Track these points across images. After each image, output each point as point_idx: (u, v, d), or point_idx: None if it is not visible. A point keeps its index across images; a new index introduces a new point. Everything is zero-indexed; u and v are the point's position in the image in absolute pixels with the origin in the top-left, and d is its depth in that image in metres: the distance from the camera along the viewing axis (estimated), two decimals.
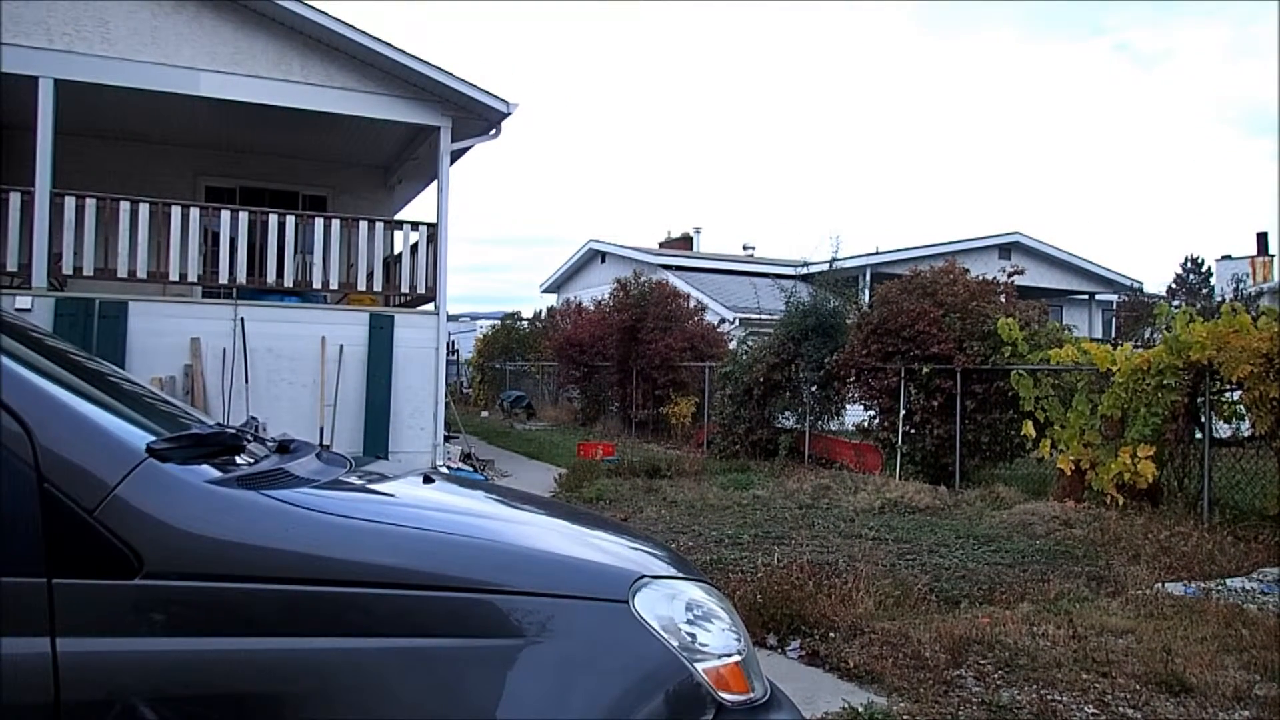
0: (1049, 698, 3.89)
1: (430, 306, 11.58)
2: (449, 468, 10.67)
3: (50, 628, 1.40)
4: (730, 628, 1.82)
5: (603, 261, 26.69)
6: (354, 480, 2.04)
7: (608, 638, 1.64)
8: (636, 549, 2.01)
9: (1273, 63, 78.50)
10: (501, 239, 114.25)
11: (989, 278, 11.92)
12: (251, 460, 1.85)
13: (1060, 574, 6.25)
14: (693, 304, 18.56)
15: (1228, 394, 8.48)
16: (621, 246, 25.83)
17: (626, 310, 17.70)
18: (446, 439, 11.81)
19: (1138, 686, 4.04)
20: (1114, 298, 26.01)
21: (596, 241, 27.39)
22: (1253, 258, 25.71)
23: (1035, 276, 20.31)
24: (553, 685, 1.55)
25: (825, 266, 15.15)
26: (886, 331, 11.22)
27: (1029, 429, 9.78)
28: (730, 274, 23.82)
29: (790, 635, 4.74)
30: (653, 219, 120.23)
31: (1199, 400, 8.32)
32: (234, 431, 1.75)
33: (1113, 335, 23.64)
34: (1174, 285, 43.68)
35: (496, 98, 10.99)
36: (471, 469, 11.52)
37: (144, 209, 10.03)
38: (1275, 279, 23.44)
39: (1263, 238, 26.04)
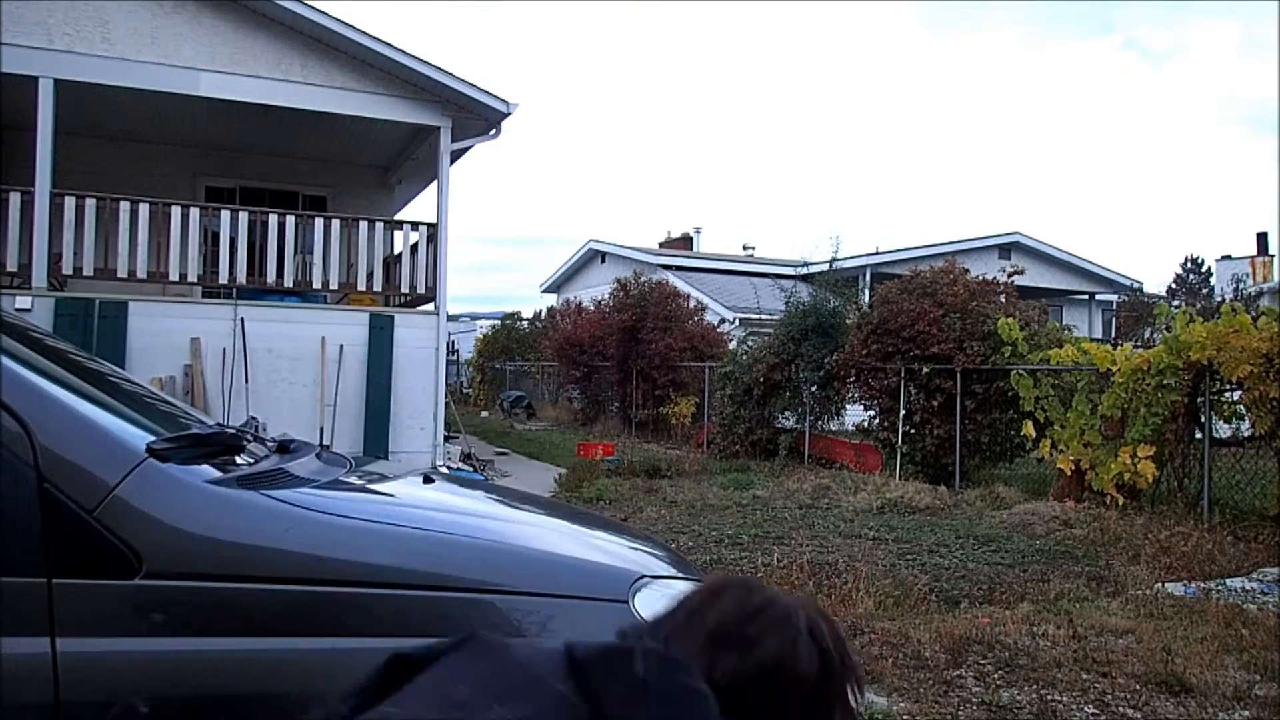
0: (1049, 698, 3.89)
1: (430, 306, 11.58)
2: (449, 468, 10.67)
3: (50, 628, 1.40)
4: None
5: (603, 261, 26.68)
6: (354, 480, 2.04)
7: (608, 638, 1.64)
8: (636, 549, 2.01)
9: (1273, 61, 78.48)
10: (501, 239, 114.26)
11: (989, 278, 11.92)
12: (251, 460, 1.85)
13: (1060, 574, 6.25)
14: (693, 304, 18.55)
15: (1228, 394, 8.48)
16: (621, 246, 25.82)
17: (626, 310, 17.70)
18: (446, 439, 11.80)
19: (1138, 686, 4.04)
20: (1114, 298, 26.00)
21: (596, 241, 27.38)
22: (1253, 258, 25.70)
23: (1035, 276, 20.29)
24: None
25: (825, 266, 15.14)
26: (886, 331, 11.22)
27: (1029, 429, 9.78)
28: (730, 274, 23.80)
29: None
30: (653, 219, 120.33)
31: (1199, 400, 8.32)
32: (234, 431, 1.75)
33: (1113, 335, 23.63)
34: (1174, 285, 43.65)
35: (496, 98, 10.98)
36: (471, 469, 11.52)
37: (144, 209, 10.02)
38: (1275, 279, 23.43)
39: (1263, 238, 26.04)
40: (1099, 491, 8.66)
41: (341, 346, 10.65)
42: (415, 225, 11.68)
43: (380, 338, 10.80)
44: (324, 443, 9.78)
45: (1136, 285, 25.08)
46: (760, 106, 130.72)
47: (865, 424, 12.43)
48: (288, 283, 10.70)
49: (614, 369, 18.45)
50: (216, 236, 10.50)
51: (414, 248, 11.59)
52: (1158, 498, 8.47)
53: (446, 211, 11.19)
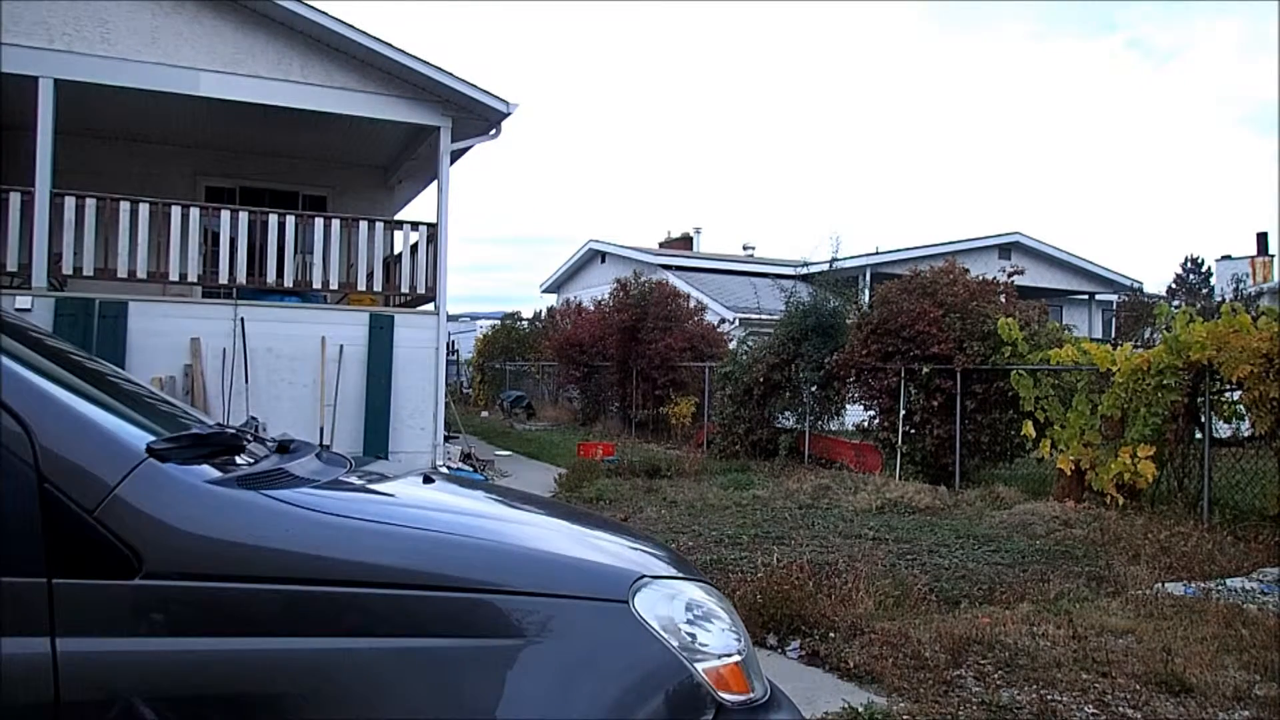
0: (1049, 698, 3.89)
1: (430, 306, 11.58)
2: (449, 468, 10.67)
3: (50, 628, 1.40)
4: (730, 628, 1.82)
5: (603, 261, 26.70)
6: (354, 480, 2.04)
7: (608, 638, 1.64)
8: (636, 549, 2.01)
9: (1274, 61, 78.51)
10: (501, 239, 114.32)
11: (989, 278, 11.92)
12: (251, 460, 1.85)
13: (1060, 574, 6.25)
14: (693, 304, 18.56)
15: (1228, 394, 8.48)
16: (621, 246, 25.83)
17: (626, 310, 17.70)
18: (446, 439, 11.81)
19: (1138, 686, 4.04)
20: (1114, 298, 26.02)
21: (596, 241, 27.40)
22: (1253, 258, 25.71)
23: (1035, 276, 20.31)
24: (553, 685, 1.55)
25: (825, 266, 15.15)
26: (886, 331, 11.22)
27: (1029, 429, 9.78)
28: (730, 274, 23.82)
29: (790, 635, 4.74)
30: (653, 219, 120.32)
31: (1199, 400, 8.32)
32: (234, 431, 1.75)
33: (1113, 335, 23.63)
34: (1174, 285, 43.69)
35: (496, 98, 10.99)
36: (471, 469, 11.52)
37: (144, 209, 10.03)
38: (1275, 279, 23.44)
39: (1263, 238, 26.04)
40: (1099, 491, 8.66)
41: (341, 346, 10.66)
42: (415, 225, 11.69)
43: (380, 338, 10.81)
44: (324, 443, 9.79)
45: (1136, 285, 25.10)
46: (760, 106, 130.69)
47: (865, 424, 12.43)
48: (288, 283, 10.70)
49: (614, 369, 18.45)
50: (216, 236, 10.50)
51: (414, 248, 11.60)
52: (1158, 498, 8.47)
53: (446, 211, 11.20)
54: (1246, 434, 8.44)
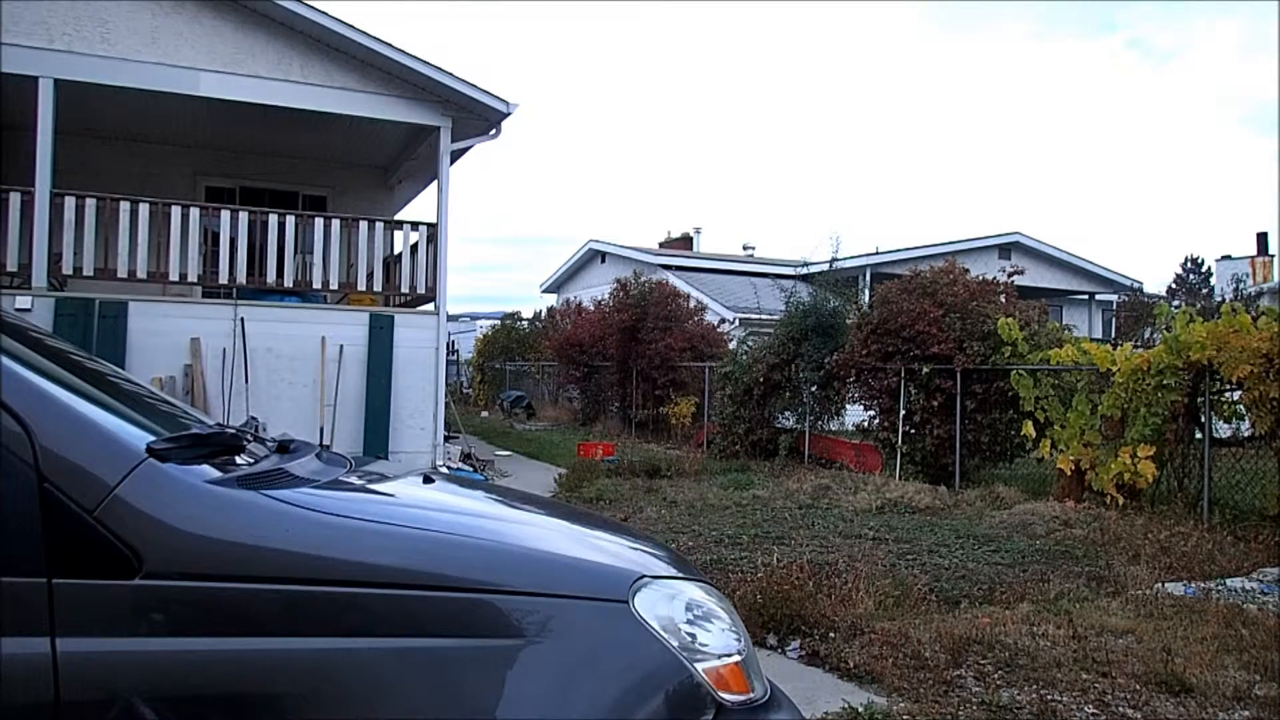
0: (1049, 698, 3.89)
1: (430, 306, 11.58)
2: (449, 468, 10.67)
3: (50, 628, 1.40)
4: (730, 628, 1.82)
5: (603, 261, 26.70)
6: (354, 480, 2.04)
7: (608, 638, 1.64)
8: (636, 549, 2.01)
9: (1274, 61, 78.50)
10: (501, 239, 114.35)
11: (989, 278, 11.92)
12: (251, 460, 1.85)
13: (1060, 574, 6.25)
14: (693, 304, 18.56)
15: (1228, 394, 8.48)
16: (621, 246, 25.84)
17: (626, 310, 17.70)
18: (446, 439, 11.81)
19: (1138, 686, 4.04)
20: (1114, 298, 26.02)
21: (596, 241, 27.40)
22: (1253, 258, 25.70)
23: (1035, 276, 20.31)
24: (553, 685, 1.55)
25: (825, 266, 15.14)
26: (886, 331, 11.22)
27: (1029, 429, 9.78)
28: (730, 274, 23.82)
29: (790, 635, 4.74)
30: (653, 219, 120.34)
31: (1199, 400, 8.33)
32: (234, 431, 1.75)
33: (1113, 335, 23.63)
34: (1174, 285, 43.71)
35: (496, 98, 10.99)
36: (471, 469, 11.52)
37: (144, 209, 10.03)
38: (1275, 279, 23.43)
39: (1263, 238, 26.03)
40: (1099, 491, 8.66)
41: (341, 346, 10.66)
42: (415, 225, 11.69)
43: (380, 338, 10.81)
44: (324, 443, 9.79)
45: (1136, 285, 25.11)
46: (760, 106, 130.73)
47: (865, 424, 12.43)
48: (288, 283, 10.70)
49: (614, 369, 18.45)
50: (216, 236, 10.50)
51: (414, 248, 11.60)
52: (1158, 498, 8.48)
53: (446, 211, 11.20)
54: (1246, 434, 8.44)
